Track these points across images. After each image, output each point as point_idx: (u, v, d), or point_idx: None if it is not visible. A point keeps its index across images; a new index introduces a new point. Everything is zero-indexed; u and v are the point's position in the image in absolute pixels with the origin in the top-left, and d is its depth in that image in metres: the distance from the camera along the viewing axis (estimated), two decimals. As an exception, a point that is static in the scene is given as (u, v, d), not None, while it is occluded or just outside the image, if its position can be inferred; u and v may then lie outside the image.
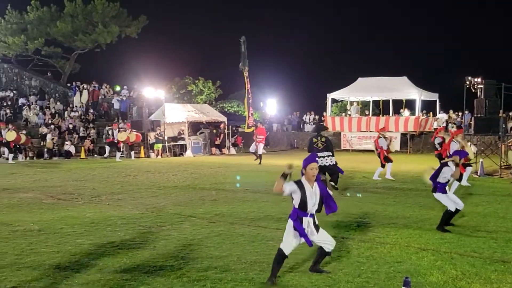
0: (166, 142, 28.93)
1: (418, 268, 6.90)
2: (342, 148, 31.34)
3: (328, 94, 33.32)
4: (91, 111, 33.97)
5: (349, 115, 33.95)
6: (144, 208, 11.70)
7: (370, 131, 30.57)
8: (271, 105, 41.71)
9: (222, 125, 31.42)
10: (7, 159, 24.57)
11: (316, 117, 37.64)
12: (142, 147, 28.28)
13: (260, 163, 22.87)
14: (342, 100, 37.03)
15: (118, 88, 37.81)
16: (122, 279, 6.44)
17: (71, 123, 31.52)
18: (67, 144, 28.67)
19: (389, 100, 33.87)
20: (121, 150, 26.88)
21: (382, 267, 6.91)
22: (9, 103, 34.32)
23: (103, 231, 9.21)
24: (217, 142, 31.02)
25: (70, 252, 7.72)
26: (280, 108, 43.03)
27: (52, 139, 28.55)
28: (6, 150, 25.03)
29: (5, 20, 40.87)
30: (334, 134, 31.91)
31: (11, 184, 16.29)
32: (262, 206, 11.74)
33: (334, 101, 35.77)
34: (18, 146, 25.44)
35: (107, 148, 27.10)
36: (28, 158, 27.00)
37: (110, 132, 27.13)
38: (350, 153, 29.51)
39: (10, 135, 24.48)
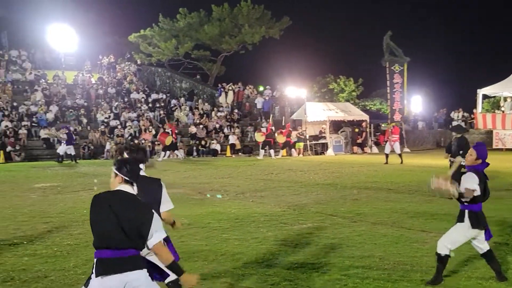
0: (308, 141, 29.12)
1: None
2: (494, 147, 29.26)
3: (478, 90, 31.32)
4: (236, 111, 35.28)
5: (503, 111, 31.58)
6: (286, 205, 11.89)
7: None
8: (416, 102, 40.20)
9: (363, 124, 30.92)
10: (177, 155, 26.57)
11: (465, 114, 35.55)
12: (284, 146, 28.81)
13: (401, 162, 22.11)
14: (495, 96, 34.59)
15: (261, 88, 38.83)
16: (264, 274, 6.61)
17: (217, 122, 33.00)
18: (213, 143, 30.12)
19: (550, 94, 30.94)
20: (266, 148, 27.40)
21: (540, 277, 6.34)
22: (163, 104, 36.80)
23: (247, 227, 9.51)
24: (359, 140, 30.59)
25: (217, 246, 8.08)
26: (425, 105, 41.32)
27: (238, 138, 30.16)
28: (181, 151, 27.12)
29: (159, 27, 44.01)
30: (486, 132, 29.96)
31: (164, 180, 17.39)
32: (405, 207, 11.35)
33: (485, 97, 33.54)
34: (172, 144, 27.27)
35: (261, 152, 26.96)
36: (179, 155, 28.71)
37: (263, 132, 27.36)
38: (503, 152, 27.45)
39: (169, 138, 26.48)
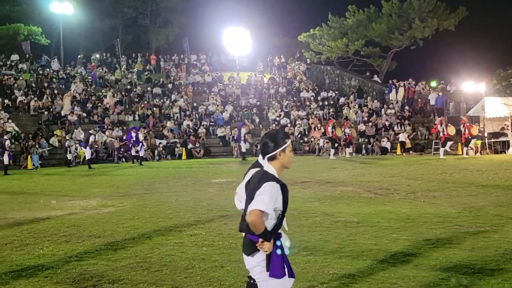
0: (486, 139, 27.22)
1: None
2: None
3: None
4: (407, 107, 34.17)
5: None
6: (461, 207, 11.27)
7: None
8: None
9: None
10: (330, 155, 26.58)
11: None
12: (459, 144, 27.21)
13: None
14: None
15: (434, 84, 37.13)
16: (437, 278, 6.35)
17: (387, 120, 32.28)
18: (383, 141, 29.53)
19: None
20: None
21: None
22: (331, 102, 36.99)
23: (418, 228, 9.19)
24: (547, 138, 27.82)
25: (387, 246, 7.93)
26: None
27: (409, 136, 29.64)
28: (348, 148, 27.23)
29: (328, 26, 44.36)
30: None
31: (333, 178, 17.53)
32: None
33: None
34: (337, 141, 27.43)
35: (442, 150, 25.13)
36: (348, 154, 28.59)
37: (442, 129, 25.97)
38: None
39: (339, 131, 26.71)
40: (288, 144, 4.27)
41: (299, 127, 32.17)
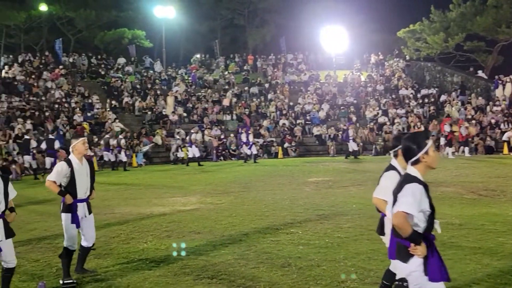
0: None
1: None
2: None
3: None
4: (519, 104, 32.20)
5: None
6: None
7: None
8: None
9: None
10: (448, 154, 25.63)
11: None
12: None
13: None
14: None
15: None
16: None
17: (493, 117, 30.64)
18: (488, 140, 28.07)
19: None
20: None
21: None
22: (432, 100, 35.69)
23: (527, 232, 8.67)
24: None
25: (492, 250, 7.56)
26: None
27: None
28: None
29: (430, 20, 42.80)
30: None
31: (434, 178, 16.87)
32: None
33: None
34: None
35: None
36: (468, 153, 27.16)
37: None
38: None
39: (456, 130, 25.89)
40: (430, 144, 4.19)
41: (397, 126, 31.33)
